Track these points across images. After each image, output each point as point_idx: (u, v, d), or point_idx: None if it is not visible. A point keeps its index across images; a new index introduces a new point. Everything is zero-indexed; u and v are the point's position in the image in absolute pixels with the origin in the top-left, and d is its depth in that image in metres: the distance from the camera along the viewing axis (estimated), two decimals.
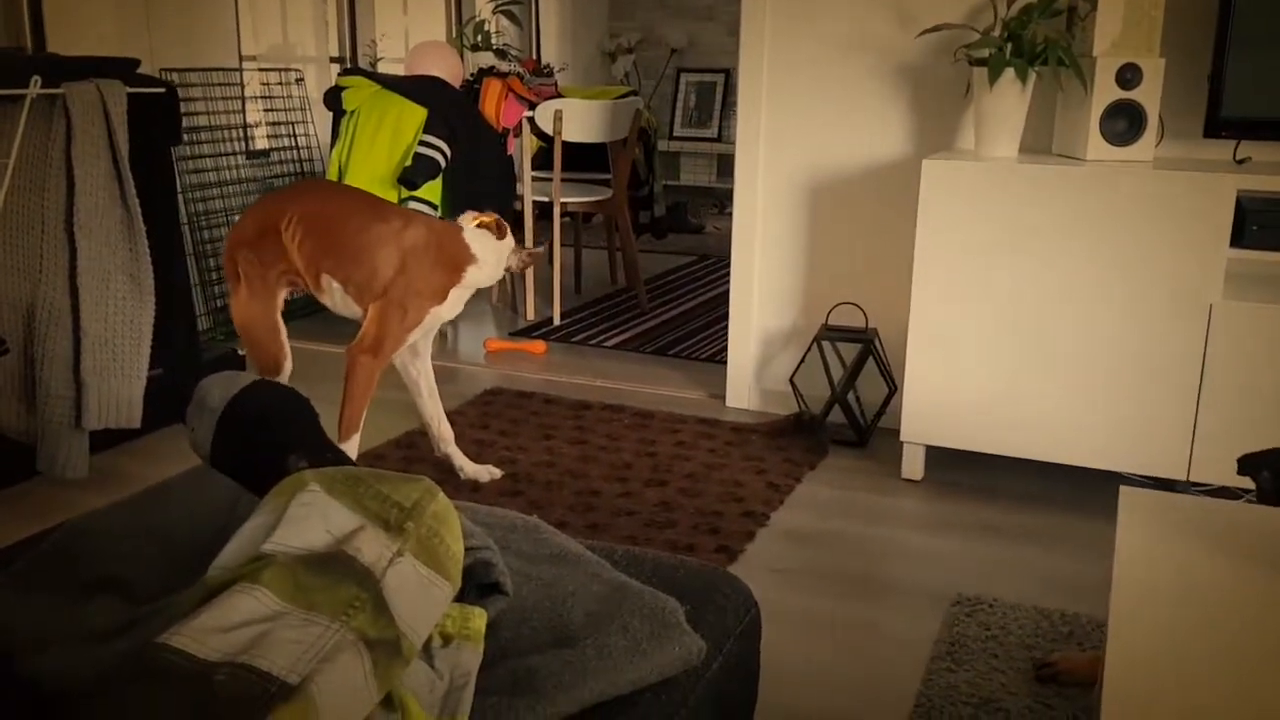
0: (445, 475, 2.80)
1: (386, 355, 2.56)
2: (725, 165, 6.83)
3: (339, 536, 1.06)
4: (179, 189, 3.92)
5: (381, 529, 1.08)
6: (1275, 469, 1.83)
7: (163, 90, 2.57)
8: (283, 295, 2.66)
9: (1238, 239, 2.52)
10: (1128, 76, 2.63)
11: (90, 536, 1.39)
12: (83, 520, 1.44)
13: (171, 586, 1.34)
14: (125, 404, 2.50)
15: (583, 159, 5.20)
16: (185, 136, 3.98)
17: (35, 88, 2.36)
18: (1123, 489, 1.58)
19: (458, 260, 2.56)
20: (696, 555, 2.40)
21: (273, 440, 1.34)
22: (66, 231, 2.40)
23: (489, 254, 2.59)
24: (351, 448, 2.60)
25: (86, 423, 2.53)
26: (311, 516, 1.08)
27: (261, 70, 4.46)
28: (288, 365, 2.66)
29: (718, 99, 6.67)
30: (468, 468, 2.80)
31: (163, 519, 1.43)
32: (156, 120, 2.54)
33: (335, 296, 2.61)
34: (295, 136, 4.54)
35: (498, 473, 2.80)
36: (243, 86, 4.31)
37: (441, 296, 2.57)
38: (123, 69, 2.57)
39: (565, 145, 4.36)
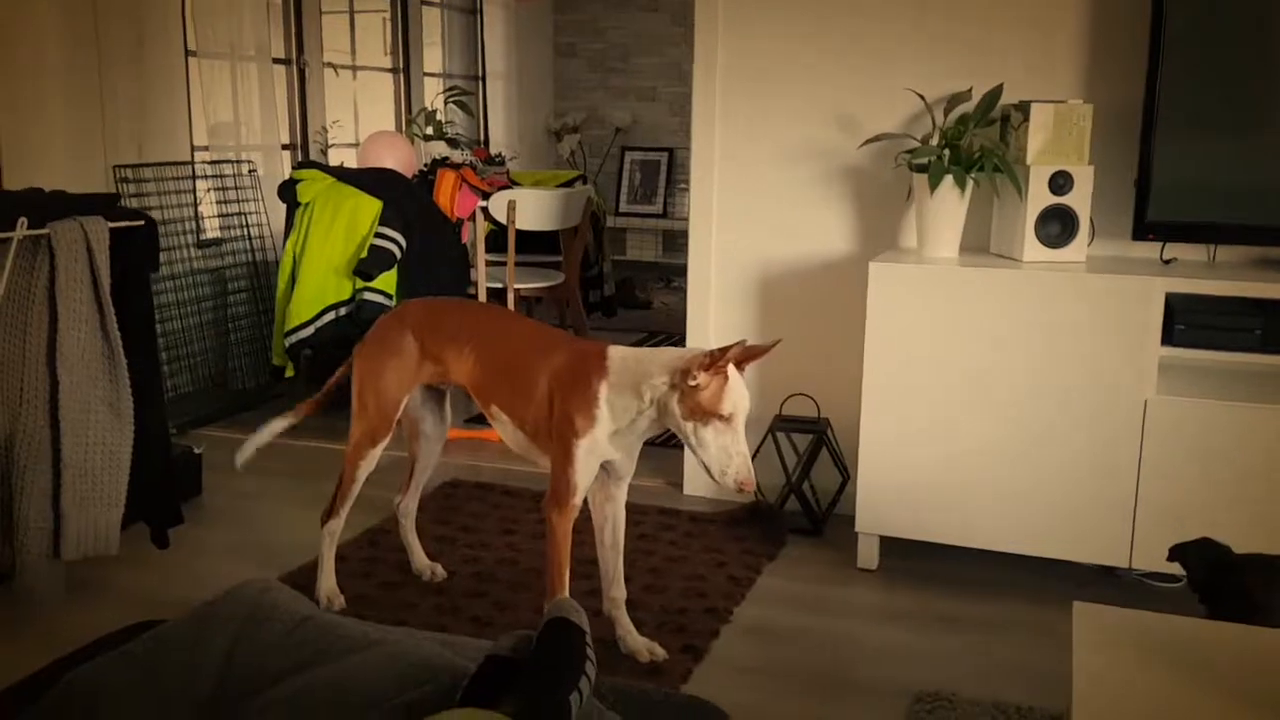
0: (406, 575, 2.81)
1: (568, 504, 2.32)
2: (670, 241, 6.96)
3: None
4: None
5: None
6: (1201, 558, 1.95)
7: (142, 223, 2.62)
8: (420, 387, 2.63)
9: (1167, 337, 2.66)
10: (1059, 183, 2.78)
11: (88, 697, 1.42)
12: (79, 677, 1.46)
13: None
14: (104, 532, 2.49)
15: (533, 240, 5.29)
16: None
17: (22, 229, 2.38)
18: (1076, 605, 1.67)
19: (590, 375, 2.27)
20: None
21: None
22: (49, 365, 2.41)
23: (624, 365, 2.25)
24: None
25: (65, 554, 2.51)
26: None
27: (213, 163, 4.49)
28: (387, 439, 2.60)
29: (662, 176, 6.82)
30: (629, 639, 2.47)
31: (158, 672, 1.46)
32: (136, 249, 2.58)
33: (514, 435, 2.45)
34: (248, 227, 4.57)
35: (660, 653, 2.46)
36: (194, 179, 4.33)
37: (587, 424, 2.26)
38: (104, 204, 2.62)
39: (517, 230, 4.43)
